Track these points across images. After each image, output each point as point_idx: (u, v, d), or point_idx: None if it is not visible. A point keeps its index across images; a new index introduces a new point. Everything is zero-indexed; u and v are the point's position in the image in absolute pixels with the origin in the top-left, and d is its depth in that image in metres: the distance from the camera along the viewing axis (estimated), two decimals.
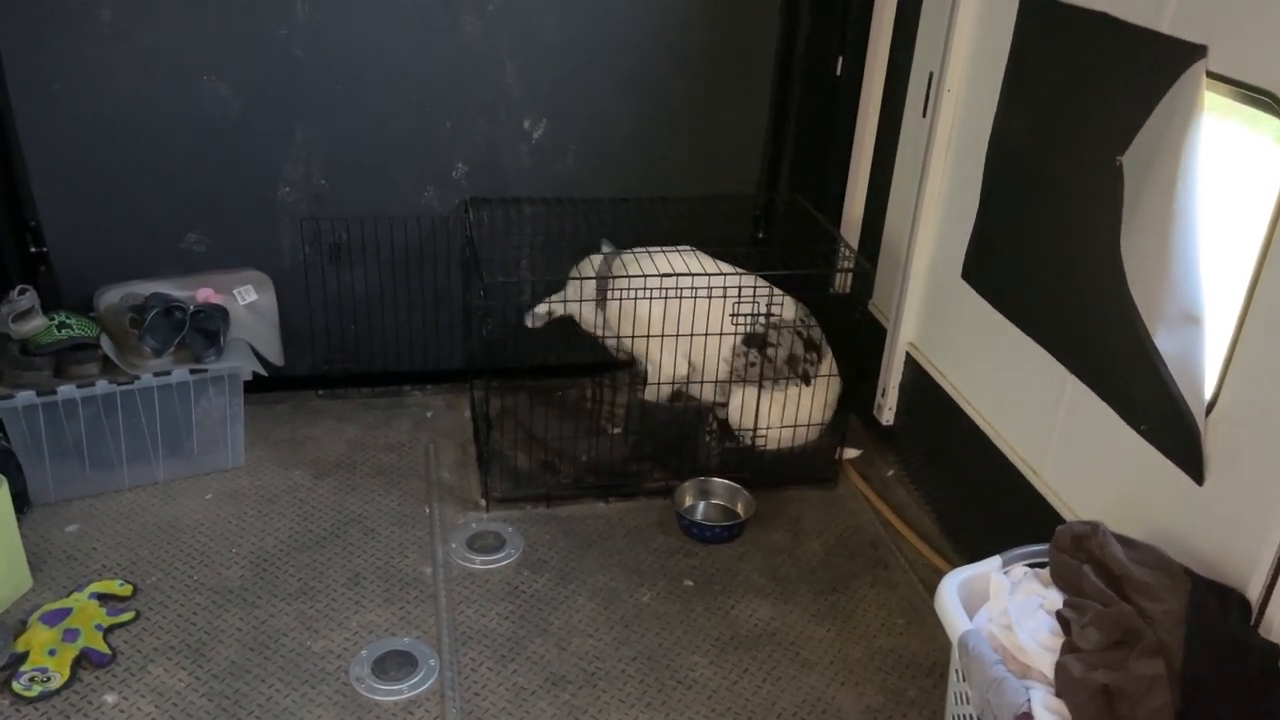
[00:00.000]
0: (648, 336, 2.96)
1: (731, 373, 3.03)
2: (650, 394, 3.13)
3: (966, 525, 2.80)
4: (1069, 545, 1.90)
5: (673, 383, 3.11)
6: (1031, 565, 2.00)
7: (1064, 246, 2.30)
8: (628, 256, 3.05)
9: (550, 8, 3.05)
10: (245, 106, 2.98)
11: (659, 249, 3.01)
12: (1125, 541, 1.87)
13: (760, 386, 3.02)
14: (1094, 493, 2.27)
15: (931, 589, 2.69)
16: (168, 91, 2.91)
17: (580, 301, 3.09)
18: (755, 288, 2.94)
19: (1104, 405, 2.19)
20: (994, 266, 2.62)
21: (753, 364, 3.01)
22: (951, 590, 1.93)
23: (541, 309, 3.15)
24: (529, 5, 3.03)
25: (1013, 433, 2.59)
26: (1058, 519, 2.36)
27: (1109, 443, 2.19)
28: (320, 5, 2.90)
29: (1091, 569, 1.83)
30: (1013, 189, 2.52)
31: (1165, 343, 1.96)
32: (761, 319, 2.96)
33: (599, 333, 3.17)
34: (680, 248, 3.07)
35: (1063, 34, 2.30)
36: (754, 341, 3.00)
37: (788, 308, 3.04)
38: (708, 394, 3.14)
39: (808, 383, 3.05)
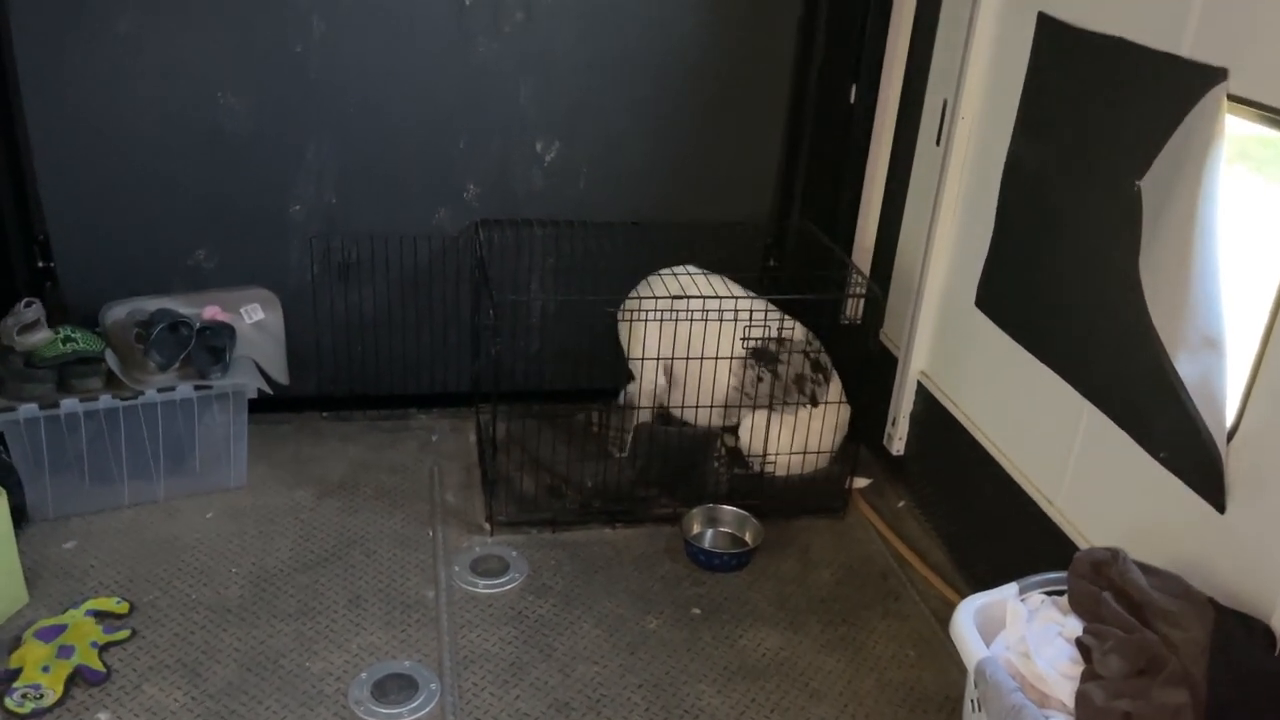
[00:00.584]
0: (657, 359, 2.93)
1: (741, 388, 2.99)
2: (632, 405, 3.06)
3: (979, 557, 2.76)
4: (1088, 572, 1.86)
5: (653, 395, 3.05)
6: (1049, 593, 1.96)
7: (1081, 272, 2.28)
8: (646, 280, 3.03)
9: (566, 30, 3.06)
10: (258, 123, 2.98)
11: (684, 270, 3.01)
12: (1146, 569, 1.83)
13: (770, 409, 2.98)
14: (1111, 522, 2.23)
15: (944, 621, 2.65)
16: (181, 106, 2.92)
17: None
18: (765, 311, 2.92)
19: (1122, 432, 2.15)
20: (1009, 294, 2.60)
21: (760, 380, 2.97)
22: (967, 617, 1.88)
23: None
24: (544, 27, 3.04)
25: (1027, 462, 2.55)
26: (1073, 549, 2.31)
27: (1127, 471, 2.15)
28: (336, 23, 2.91)
29: (1112, 596, 1.79)
30: (1028, 215, 2.50)
31: (1186, 368, 1.93)
32: (772, 341, 2.94)
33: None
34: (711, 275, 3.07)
35: (1079, 59, 2.29)
36: (763, 357, 2.97)
37: (797, 331, 3.02)
38: (715, 419, 3.10)
39: (815, 404, 3.01)
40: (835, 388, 3.08)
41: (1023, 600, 1.93)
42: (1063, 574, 1.94)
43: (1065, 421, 2.37)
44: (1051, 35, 2.40)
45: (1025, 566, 2.50)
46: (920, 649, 2.57)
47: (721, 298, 2.89)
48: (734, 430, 3.11)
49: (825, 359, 3.07)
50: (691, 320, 2.85)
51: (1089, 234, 2.25)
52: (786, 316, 3.00)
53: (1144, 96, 2.07)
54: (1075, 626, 1.81)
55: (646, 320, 2.91)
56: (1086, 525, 2.32)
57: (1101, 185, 2.20)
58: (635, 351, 3.04)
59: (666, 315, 2.85)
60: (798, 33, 3.21)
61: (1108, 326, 2.17)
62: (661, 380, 3.05)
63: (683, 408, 3.09)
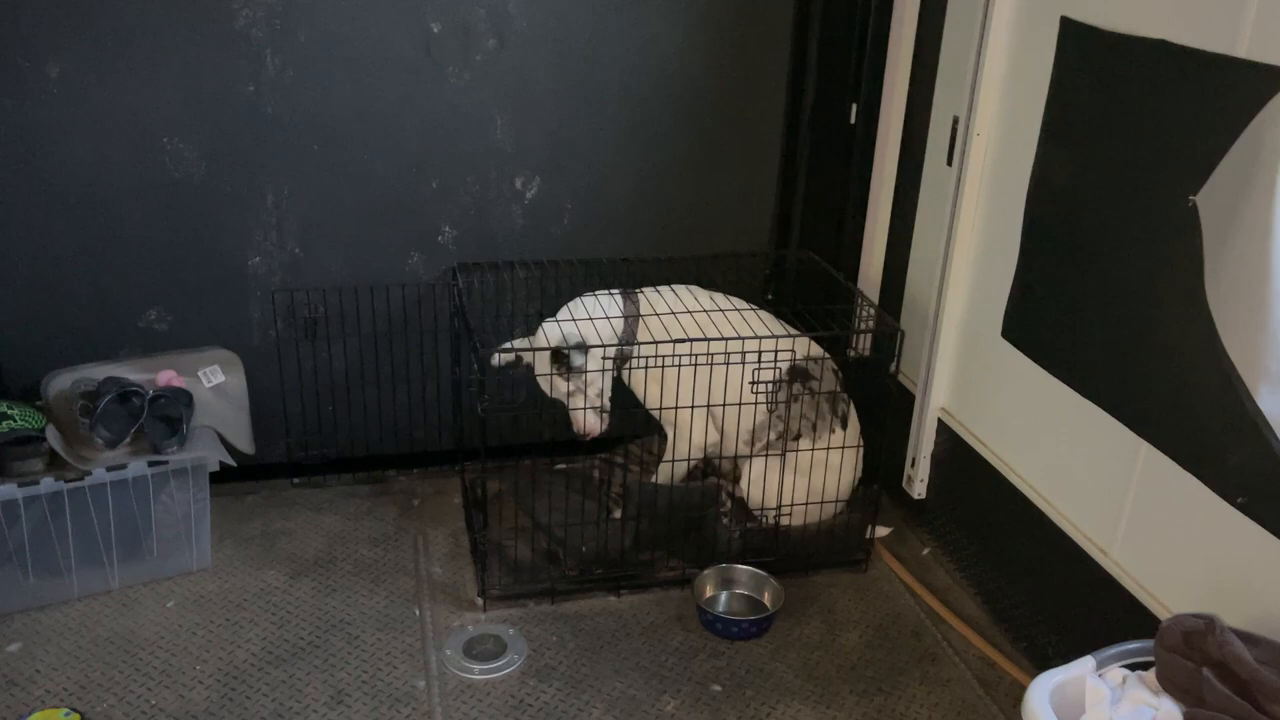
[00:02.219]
0: (676, 407, 2.68)
1: (774, 408, 2.73)
2: (665, 473, 2.83)
3: (1019, 609, 2.53)
4: (1180, 644, 1.63)
5: (698, 457, 2.82)
6: (1129, 665, 1.73)
7: (1128, 298, 2.07)
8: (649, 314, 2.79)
9: (543, 58, 2.84)
10: (210, 170, 2.73)
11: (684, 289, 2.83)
12: (1247, 638, 1.60)
13: (767, 458, 2.74)
14: (1180, 575, 2.01)
15: (986, 683, 2.42)
16: (124, 155, 2.66)
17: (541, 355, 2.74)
18: (775, 343, 2.69)
19: (1188, 474, 1.94)
20: (1041, 323, 2.38)
21: (796, 398, 2.73)
22: (1043, 699, 1.64)
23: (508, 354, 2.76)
24: (520, 55, 2.82)
25: (1072, 507, 2.33)
26: (1134, 604, 2.10)
27: (1197, 517, 1.94)
28: (292, 58, 2.67)
29: (1212, 673, 1.56)
30: (1060, 237, 2.29)
31: (1269, 403, 1.72)
32: (807, 360, 2.73)
33: (566, 401, 2.82)
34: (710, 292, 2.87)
35: (1112, 66, 2.09)
36: (797, 374, 2.73)
37: (816, 348, 2.81)
38: (726, 465, 2.85)
39: (845, 427, 2.78)
40: (854, 420, 2.85)
41: (1101, 676, 1.70)
42: (1144, 643, 1.72)
43: (1117, 461, 2.15)
44: (1078, 41, 2.20)
45: (1077, 621, 2.29)
46: (966, 717, 2.33)
47: (729, 339, 2.65)
48: (741, 479, 2.87)
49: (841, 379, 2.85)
50: (712, 364, 2.61)
51: (1134, 255, 2.05)
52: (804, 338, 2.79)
53: (1194, 103, 1.87)
54: (1171, 710, 1.58)
55: (648, 366, 2.68)
56: (1149, 578, 2.09)
57: (1147, 201, 2.00)
58: (654, 398, 2.77)
59: (676, 360, 2.60)
60: (791, 49, 3.01)
61: (1165, 357, 1.96)
62: (714, 437, 2.83)
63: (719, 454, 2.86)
